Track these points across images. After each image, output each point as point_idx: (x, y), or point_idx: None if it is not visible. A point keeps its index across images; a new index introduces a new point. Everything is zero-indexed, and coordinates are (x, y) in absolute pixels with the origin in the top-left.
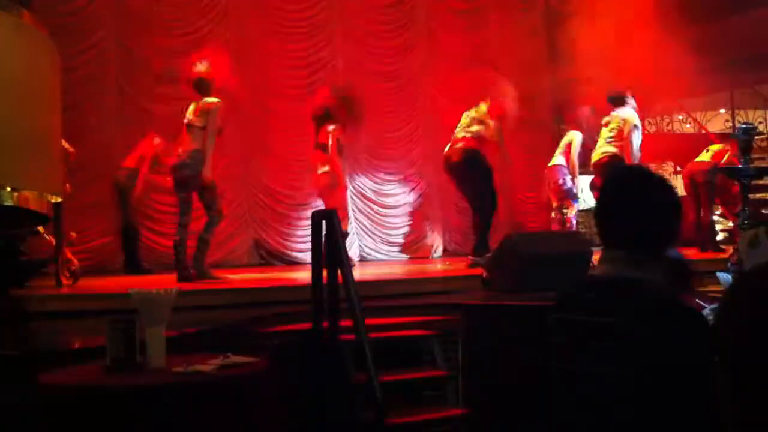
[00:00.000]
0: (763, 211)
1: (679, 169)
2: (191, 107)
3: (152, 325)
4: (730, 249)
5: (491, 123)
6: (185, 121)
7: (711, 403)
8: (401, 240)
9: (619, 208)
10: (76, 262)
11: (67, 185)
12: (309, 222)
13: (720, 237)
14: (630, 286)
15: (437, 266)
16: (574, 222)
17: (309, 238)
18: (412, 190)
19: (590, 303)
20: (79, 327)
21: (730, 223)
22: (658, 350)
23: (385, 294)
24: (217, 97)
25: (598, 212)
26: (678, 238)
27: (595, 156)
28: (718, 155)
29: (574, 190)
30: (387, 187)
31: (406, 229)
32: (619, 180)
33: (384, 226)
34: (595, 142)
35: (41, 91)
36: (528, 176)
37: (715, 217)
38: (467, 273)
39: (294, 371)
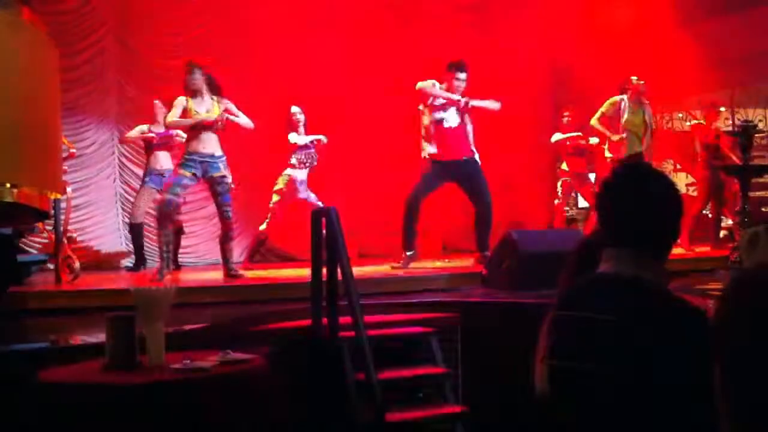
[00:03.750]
0: (763, 209)
1: (679, 167)
2: (221, 107)
3: (151, 322)
4: (730, 247)
5: None
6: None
7: (711, 402)
8: (401, 237)
9: (620, 205)
10: (75, 259)
11: (68, 182)
12: (308, 219)
13: (720, 235)
14: (631, 284)
15: (437, 263)
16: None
17: (308, 236)
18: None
19: (591, 301)
20: (79, 324)
21: (730, 221)
22: (659, 349)
23: (385, 291)
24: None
25: (600, 210)
26: (678, 236)
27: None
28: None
29: None
30: (387, 185)
31: None
32: (621, 177)
33: (384, 223)
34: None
35: (41, 88)
36: (527, 173)
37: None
38: (467, 270)
39: (293, 368)
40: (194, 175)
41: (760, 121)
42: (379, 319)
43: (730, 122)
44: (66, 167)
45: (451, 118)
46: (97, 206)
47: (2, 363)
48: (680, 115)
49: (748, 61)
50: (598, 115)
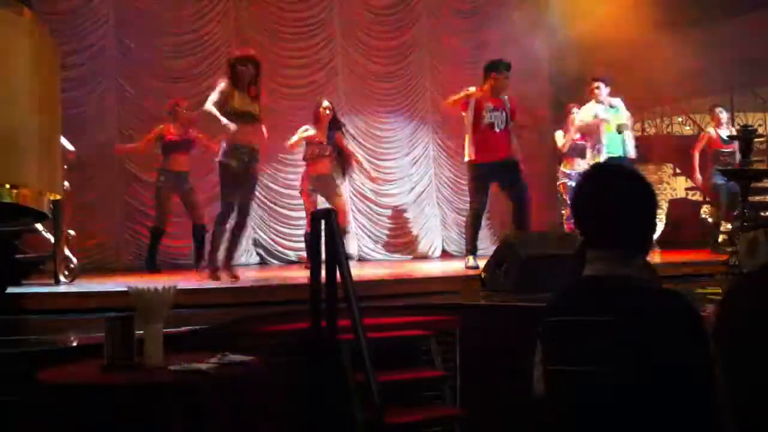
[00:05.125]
0: (762, 213)
1: (678, 171)
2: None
3: (150, 323)
4: (730, 251)
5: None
6: (258, 113)
7: (711, 399)
8: (400, 240)
9: (596, 207)
10: (74, 259)
11: (66, 183)
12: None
13: (719, 239)
14: (621, 284)
15: (435, 266)
16: None
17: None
18: (411, 190)
19: (587, 304)
20: (77, 325)
21: (729, 225)
22: (657, 347)
23: (384, 294)
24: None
25: (576, 212)
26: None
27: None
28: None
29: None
30: (386, 187)
31: (405, 229)
32: (594, 179)
33: (383, 226)
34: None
35: (42, 88)
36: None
37: (713, 219)
38: (466, 273)
39: (292, 371)
40: (243, 164)
41: (759, 125)
42: (378, 321)
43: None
44: (65, 167)
45: (499, 122)
46: (96, 207)
47: (1, 363)
48: (680, 119)
49: (747, 65)
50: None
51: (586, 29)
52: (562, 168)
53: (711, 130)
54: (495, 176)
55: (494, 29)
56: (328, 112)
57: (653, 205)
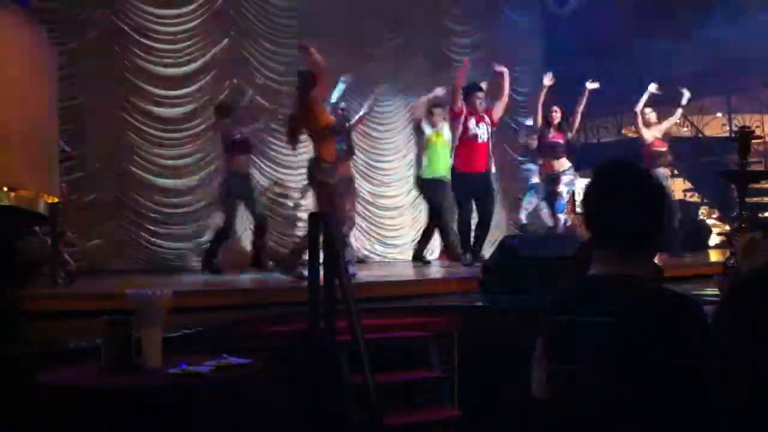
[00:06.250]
0: (760, 214)
1: (676, 172)
2: None
3: (148, 326)
4: (727, 252)
5: None
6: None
7: (711, 399)
8: (398, 241)
9: (607, 206)
10: (72, 262)
11: (64, 185)
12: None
13: (716, 240)
14: (626, 284)
15: (434, 267)
16: None
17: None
18: (409, 191)
19: (588, 304)
20: (76, 327)
21: (727, 227)
22: (660, 347)
23: (382, 295)
24: None
25: (587, 212)
26: (664, 232)
27: None
28: None
29: None
30: (384, 189)
31: (402, 231)
32: (606, 178)
33: (381, 228)
34: None
35: (38, 90)
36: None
37: (711, 221)
38: (464, 275)
39: (290, 372)
40: None
41: (757, 126)
42: (376, 323)
43: (727, 128)
44: (64, 169)
45: (482, 134)
46: (95, 208)
47: (1, 365)
48: (677, 120)
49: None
50: None
51: (580, 31)
52: (529, 166)
53: (644, 130)
54: (470, 186)
55: (491, 31)
56: (341, 111)
57: (661, 205)
